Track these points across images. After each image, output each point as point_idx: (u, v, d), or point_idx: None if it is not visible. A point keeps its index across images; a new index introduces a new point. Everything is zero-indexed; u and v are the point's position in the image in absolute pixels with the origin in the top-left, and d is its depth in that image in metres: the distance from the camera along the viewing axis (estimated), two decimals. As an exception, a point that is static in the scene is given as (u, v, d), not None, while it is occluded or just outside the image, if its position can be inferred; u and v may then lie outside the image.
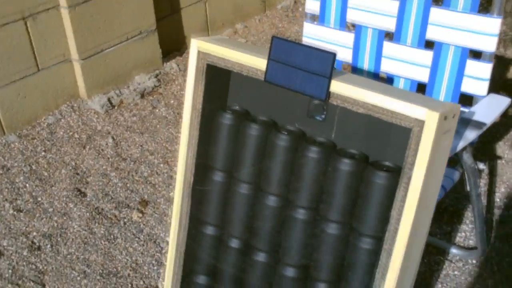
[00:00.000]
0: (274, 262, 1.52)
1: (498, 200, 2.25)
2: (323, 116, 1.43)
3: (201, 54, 1.50)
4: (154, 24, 3.06)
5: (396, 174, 1.33)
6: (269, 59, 1.39)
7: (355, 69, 1.86)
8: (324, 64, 1.32)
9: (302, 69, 1.35)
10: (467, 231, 2.12)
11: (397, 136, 1.33)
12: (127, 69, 3.01)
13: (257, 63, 1.42)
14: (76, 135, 2.68)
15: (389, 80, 1.81)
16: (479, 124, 1.55)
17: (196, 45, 1.51)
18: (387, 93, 1.28)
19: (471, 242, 2.09)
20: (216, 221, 1.58)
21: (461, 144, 1.51)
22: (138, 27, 3.00)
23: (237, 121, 1.52)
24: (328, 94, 1.33)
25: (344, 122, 1.41)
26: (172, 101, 2.91)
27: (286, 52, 1.37)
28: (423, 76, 1.75)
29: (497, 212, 2.20)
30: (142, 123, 2.75)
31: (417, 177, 1.25)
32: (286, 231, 1.48)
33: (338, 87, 1.32)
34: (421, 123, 1.23)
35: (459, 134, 1.52)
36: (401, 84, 1.79)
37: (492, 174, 2.37)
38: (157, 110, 2.84)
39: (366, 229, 1.36)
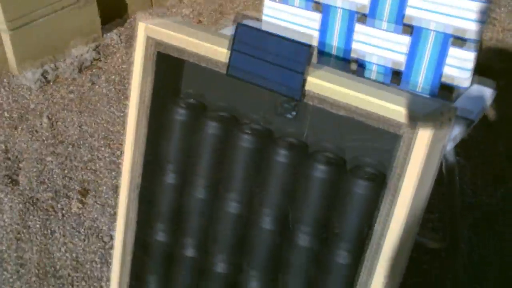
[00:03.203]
0: (236, 275, 1.35)
1: (464, 185, 2.13)
2: (293, 114, 1.25)
3: (150, 41, 1.29)
4: (92, -13, 2.80)
5: (379, 182, 1.17)
6: (232, 50, 1.20)
7: (322, 53, 1.67)
8: (299, 57, 1.14)
9: (272, 62, 1.16)
10: (435, 221, 2.00)
11: (381, 138, 1.16)
12: (63, 40, 2.74)
13: (218, 53, 1.22)
14: (6, 114, 2.42)
15: (360, 66, 1.63)
16: (466, 122, 1.40)
17: (144, 30, 1.30)
18: (373, 94, 1.10)
19: (439, 233, 1.96)
20: (168, 228, 1.39)
21: (450, 146, 1.36)
22: (74, -9, 2.73)
23: (193, 117, 1.33)
24: (303, 93, 1.15)
25: (318, 120, 1.23)
26: (113, 77, 2.67)
27: (253, 41, 1.18)
28: (399, 63, 1.57)
29: (464, 199, 2.08)
30: (80, 101, 2.51)
31: (406, 190, 1.09)
32: (250, 241, 1.30)
33: (315, 85, 1.14)
34: (413, 130, 1.06)
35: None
36: (374, 71, 1.61)
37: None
38: (97, 87, 2.60)
39: (343, 244, 1.20)
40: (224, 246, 1.33)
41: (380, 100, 1.09)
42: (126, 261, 1.45)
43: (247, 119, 1.30)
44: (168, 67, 1.32)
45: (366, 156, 1.19)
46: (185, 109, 1.33)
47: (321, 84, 1.13)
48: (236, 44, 1.19)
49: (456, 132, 1.41)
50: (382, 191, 1.15)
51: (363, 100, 1.10)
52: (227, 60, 1.20)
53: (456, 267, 1.86)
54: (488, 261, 1.88)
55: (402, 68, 1.57)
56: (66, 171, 2.16)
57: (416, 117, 1.06)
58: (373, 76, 1.63)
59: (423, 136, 1.05)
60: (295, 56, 1.13)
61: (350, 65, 1.65)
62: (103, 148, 2.26)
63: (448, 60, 1.50)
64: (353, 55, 1.63)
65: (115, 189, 2.08)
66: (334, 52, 1.65)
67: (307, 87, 1.14)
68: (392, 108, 1.08)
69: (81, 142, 2.29)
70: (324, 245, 1.23)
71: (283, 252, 1.27)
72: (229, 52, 1.20)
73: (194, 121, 1.32)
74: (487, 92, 1.55)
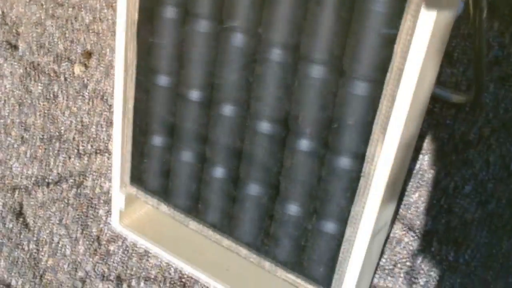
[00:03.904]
0: (244, 116, 1.24)
1: (490, 39, 1.99)
2: None
3: None
4: None
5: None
6: None
7: None
8: None
9: None
10: (458, 76, 1.87)
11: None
12: None
13: None
14: (2, -21, 2.29)
15: None
16: None
17: None
18: None
19: (463, 88, 1.84)
20: (170, 69, 1.28)
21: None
22: None
23: None
24: None
25: None
26: None
27: None
28: None
29: (490, 52, 1.94)
30: (79, -37, 2.36)
31: None
32: (258, 77, 1.18)
33: None
34: None
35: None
36: None
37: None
38: None
39: (360, 71, 1.07)
40: (230, 85, 1.22)
41: None
42: (127, 109, 1.36)
43: None
44: None
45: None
46: None
47: None
48: None
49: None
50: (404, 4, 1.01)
51: None
52: None
53: (481, 122, 1.75)
54: (515, 115, 1.77)
55: None
56: (67, 35, 2.04)
57: None
58: None
59: None
60: None
61: None
62: (105, 10, 2.12)
63: None
64: None
65: (119, 50, 1.96)
66: None
67: None
68: None
69: (82, 4, 2.15)
70: (339, 76, 1.11)
71: (294, 87, 1.15)
72: None
73: None
74: None
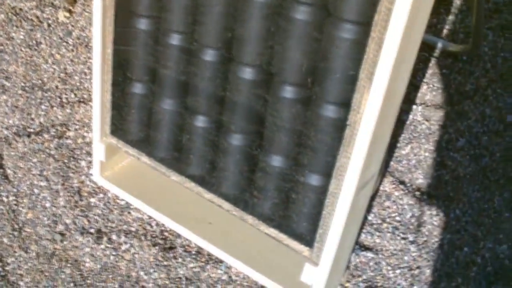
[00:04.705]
0: (226, 62, 1.17)
1: (491, -15, 1.91)
2: None
3: None
4: None
5: None
6: None
7: None
8: None
9: None
10: (456, 23, 1.80)
11: None
12: None
13: None
14: None
15: None
16: None
17: None
18: None
19: (461, 36, 1.77)
20: (150, 12, 1.21)
21: None
22: None
23: None
24: None
25: None
26: None
27: None
28: None
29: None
30: None
31: None
32: (239, 20, 1.11)
33: None
34: None
35: None
36: None
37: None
38: None
39: (347, 12, 1.00)
40: (211, 28, 1.15)
41: None
42: (107, 55, 1.29)
43: None
44: None
45: None
46: None
47: None
48: None
49: None
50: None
51: None
52: None
53: (478, 72, 1.69)
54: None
55: None
56: (51, -21, 1.97)
57: None
58: None
59: None
60: None
61: None
62: (91, -46, 2.04)
63: None
64: None
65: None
66: None
67: None
68: None
69: None
70: (325, 18, 1.03)
71: (278, 30, 1.09)
72: None
73: None
74: None
